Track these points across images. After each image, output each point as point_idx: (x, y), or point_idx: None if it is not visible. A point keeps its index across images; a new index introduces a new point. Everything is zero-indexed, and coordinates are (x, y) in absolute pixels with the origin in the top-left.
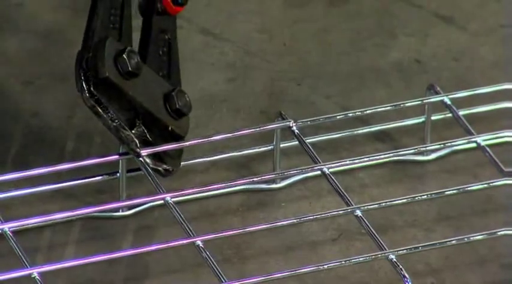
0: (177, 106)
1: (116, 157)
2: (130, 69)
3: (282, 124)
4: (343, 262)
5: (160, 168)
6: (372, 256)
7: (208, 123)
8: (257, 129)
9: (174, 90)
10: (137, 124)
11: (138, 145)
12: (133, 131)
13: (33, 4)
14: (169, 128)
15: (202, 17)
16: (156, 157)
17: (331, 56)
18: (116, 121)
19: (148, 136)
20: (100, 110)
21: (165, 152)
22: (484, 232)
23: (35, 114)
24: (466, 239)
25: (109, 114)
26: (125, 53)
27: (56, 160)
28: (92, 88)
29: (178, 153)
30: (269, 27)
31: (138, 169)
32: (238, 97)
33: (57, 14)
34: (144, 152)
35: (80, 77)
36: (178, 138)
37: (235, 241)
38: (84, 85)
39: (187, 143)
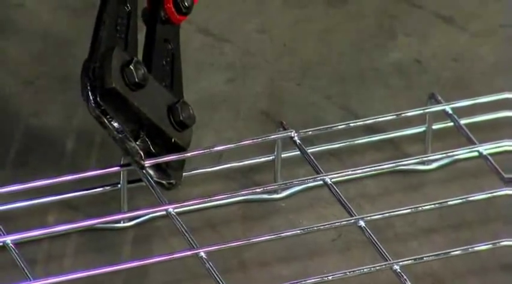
0: (181, 118)
1: (117, 168)
2: (137, 80)
3: (284, 134)
4: (347, 273)
5: (164, 181)
6: (376, 266)
7: (208, 123)
8: (258, 140)
9: (178, 101)
10: (141, 135)
11: (143, 157)
12: (137, 143)
13: (33, 4)
14: (173, 140)
15: (202, 17)
16: (159, 170)
17: (331, 56)
18: (122, 132)
19: (152, 148)
20: (106, 121)
21: (167, 164)
22: (487, 242)
23: (35, 114)
24: (470, 249)
25: (114, 125)
26: (132, 64)
27: (56, 160)
28: (98, 99)
29: (181, 164)
30: (269, 27)
31: (140, 180)
32: (238, 97)
33: (57, 14)
34: (147, 163)
35: (86, 86)
36: (181, 150)
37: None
38: (90, 95)
39: (189, 154)
